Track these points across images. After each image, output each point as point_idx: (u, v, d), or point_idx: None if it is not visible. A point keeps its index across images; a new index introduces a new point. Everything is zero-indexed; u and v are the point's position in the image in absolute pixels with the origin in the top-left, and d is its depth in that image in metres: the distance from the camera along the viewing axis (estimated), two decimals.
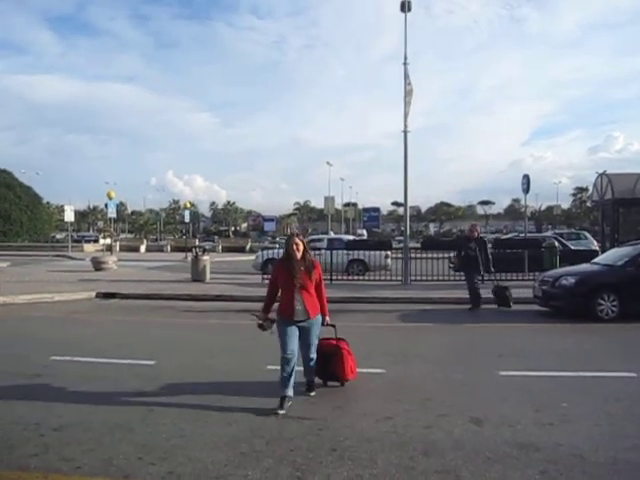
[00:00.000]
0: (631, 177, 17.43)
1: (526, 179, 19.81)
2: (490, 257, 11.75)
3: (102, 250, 31.61)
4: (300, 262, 5.16)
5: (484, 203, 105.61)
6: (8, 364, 6.80)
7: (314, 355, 5.40)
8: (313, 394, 5.48)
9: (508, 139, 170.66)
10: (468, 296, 11.83)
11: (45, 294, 13.53)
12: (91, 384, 5.95)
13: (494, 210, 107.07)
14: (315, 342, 5.38)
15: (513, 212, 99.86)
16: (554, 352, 7.76)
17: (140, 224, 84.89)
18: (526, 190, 19.90)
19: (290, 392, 5.04)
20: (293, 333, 5.12)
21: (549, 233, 29.14)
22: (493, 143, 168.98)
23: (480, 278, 11.92)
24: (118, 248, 38.81)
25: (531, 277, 14.94)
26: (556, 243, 17.30)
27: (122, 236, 72.42)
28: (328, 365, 5.62)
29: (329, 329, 5.69)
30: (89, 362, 6.91)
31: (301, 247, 5.16)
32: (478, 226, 12.89)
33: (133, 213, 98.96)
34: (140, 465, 3.81)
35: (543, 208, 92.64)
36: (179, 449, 4.08)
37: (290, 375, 5.02)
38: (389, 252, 18.97)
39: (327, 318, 5.46)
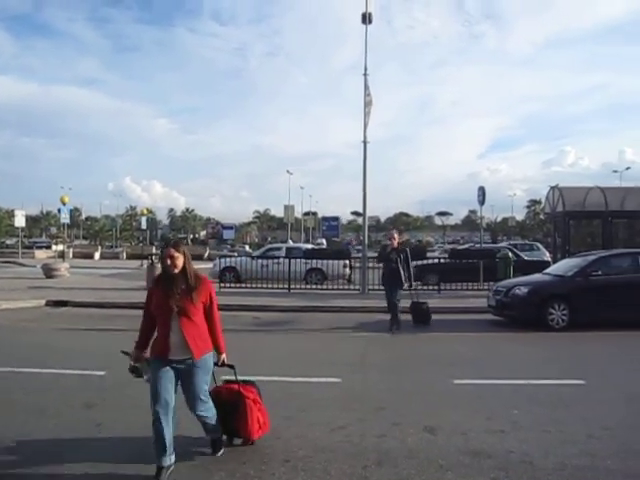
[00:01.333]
0: (581, 191, 18.05)
1: (482, 191, 20.25)
2: (412, 269, 10.49)
3: (54, 257, 30.68)
4: (179, 279, 3.80)
5: (442, 214, 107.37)
6: None
7: (203, 410, 3.94)
8: (221, 453, 4.14)
9: (466, 152, 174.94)
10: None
11: None
12: (36, 396, 5.72)
13: (452, 221, 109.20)
14: (203, 390, 3.91)
15: (470, 223, 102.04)
16: (506, 360, 7.91)
17: (95, 230, 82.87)
18: (482, 202, 20.34)
19: (167, 461, 3.71)
20: (167, 378, 3.77)
21: (504, 244, 29.82)
22: (451, 155, 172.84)
23: (407, 289, 10.46)
24: (71, 255, 37.73)
25: (486, 287, 15.22)
26: (510, 254, 17.69)
27: (76, 242, 70.49)
28: (228, 419, 4.16)
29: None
30: (35, 373, 6.64)
31: (180, 260, 3.79)
32: (397, 232, 11.20)
33: (88, 219, 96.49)
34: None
35: (498, 219, 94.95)
36: (129, 463, 3.96)
37: (163, 438, 3.67)
38: (347, 261, 19.04)
39: (223, 356, 4.06)
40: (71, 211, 31.17)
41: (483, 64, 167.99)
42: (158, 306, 3.83)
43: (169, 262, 3.78)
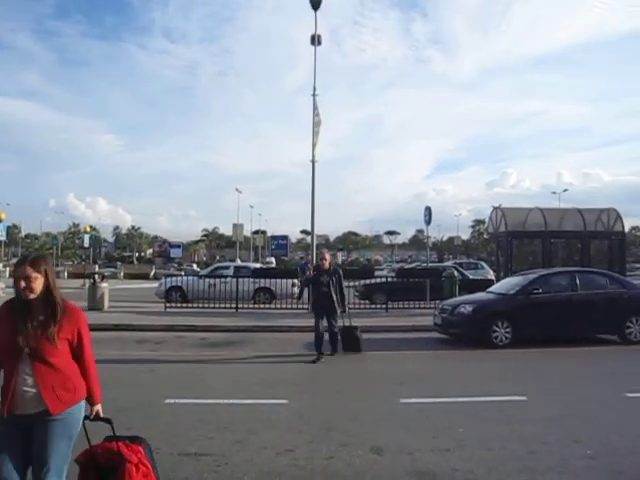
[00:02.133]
0: (522, 211, 18.70)
1: (428, 211, 20.67)
2: (345, 293, 9.58)
3: None
4: (36, 308, 2.83)
5: (390, 233, 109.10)
6: None
7: None
8: None
9: (412, 172, 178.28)
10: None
11: None
12: None
13: (399, 240, 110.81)
14: (57, 462, 2.84)
15: (417, 242, 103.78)
16: (452, 378, 8.02)
17: (35, 248, 79.54)
18: (428, 221, 20.75)
19: None
20: (9, 441, 2.79)
21: (449, 263, 30.56)
22: (399, 176, 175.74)
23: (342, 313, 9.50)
24: (8, 274, 36.13)
25: (432, 305, 15.46)
26: (455, 272, 18.07)
27: (13, 261, 67.61)
28: None
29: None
30: None
31: (39, 282, 2.82)
32: (329, 253, 9.88)
33: (27, 236, 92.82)
34: None
35: (445, 239, 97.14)
36: None
37: None
38: (296, 280, 18.98)
39: (97, 407, 3.17)
40: (9, 228, 29.91)
41: (429, 87, 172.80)
42: (5, 345, 2.77)
43: (23, 285, 2.79)
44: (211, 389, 6.67)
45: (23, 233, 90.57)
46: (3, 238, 26.73)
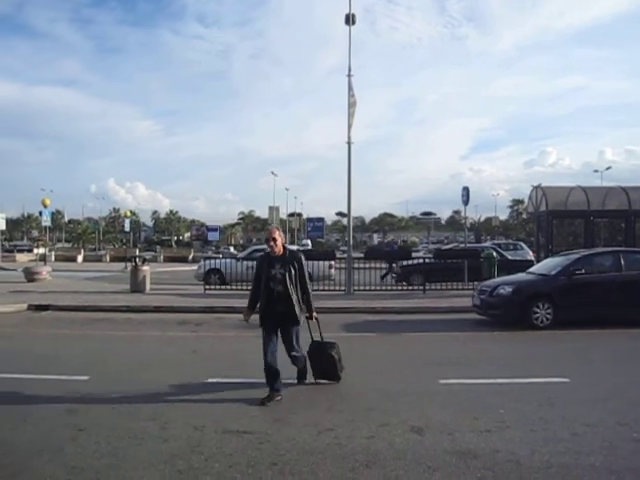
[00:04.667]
0: (564, 190, 18.25)
1: (466, 191, 20.38)
2: (309, 288, 5.99)
3: (36, 260, 30.23)
4: None
5: (426, 214, 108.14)
6: None
7: None
8: None
9: (449, 153, 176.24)
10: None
11: None
12: (18, 402, 5.63)
13: (436, 221, 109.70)
14: None
15: (454, 223, 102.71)
16: (492, 359, 7.94)
17: (78, 233, 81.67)
18: (466, 202, 20.46)
19: None
20: None
21: (488, 244, 30.05)
22: (435, 156, 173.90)
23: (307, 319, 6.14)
24: (53, 258, 37.29)
25: (470, 287, 15.31)
26: (494, 253, 17.81)
27: (59, 245, 69.66)
28: None
29: None
30: (16, 378, 6.53)
31: None
32: (279, 231, 5.95)
33: (71, 222, 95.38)
34: None
35: (482, 219, 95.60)
36: (112, 469, 3.90)
37: None
38: (333, 262, 19.02)
39: None
40: (53, 214, 30.81)
41: (465, 65, 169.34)
42: None
43: None
44: (252, 369, 6.76)
45: (66, 218, 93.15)
46: (48, 224, 27.46)
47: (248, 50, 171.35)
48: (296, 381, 6.29)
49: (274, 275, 5.74)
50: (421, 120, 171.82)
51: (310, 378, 6.34)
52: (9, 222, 47.48)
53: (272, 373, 5.68)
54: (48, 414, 5.22)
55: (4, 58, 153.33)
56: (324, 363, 6.32)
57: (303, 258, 5.94)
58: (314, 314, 6.10)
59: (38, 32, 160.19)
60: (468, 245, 25.63)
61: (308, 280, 5.96)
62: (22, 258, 38.10)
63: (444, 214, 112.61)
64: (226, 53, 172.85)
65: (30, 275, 20.06)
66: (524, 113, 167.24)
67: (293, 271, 5.76)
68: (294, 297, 5.72)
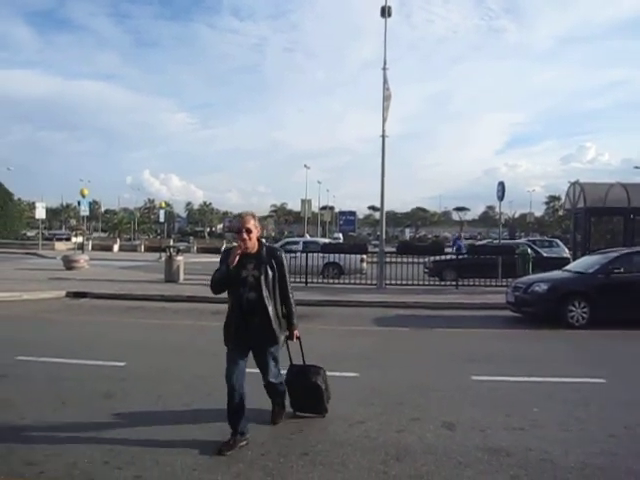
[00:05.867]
0: (603, 187, 17.79)
1: (501, 186, 20.05)
2: (291, 297, 4.53)
3: (74, 249, 31.00)
4: None
5: (459, 209, 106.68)
6: None
7: None
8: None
9: (483, 147, 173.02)
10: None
11: (13, 292, 13.20)
12: (57, 385, 5.81)
13: (469, 216, 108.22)
14: None
15: (487, 219, 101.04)
16: (525, 357, 7.82)
17: (114, 223, 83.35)
18: (501, 197, 20.14)
19: None
20: None
21: (522, 240, 29.55)
22: (469, 151, 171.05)
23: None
24: (91, 247, 38.15)
25: (504, 283, 15.10)
26: (529, 250, 17.52)
27: (95, 235, 71.26)
28: None
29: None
30: (56, 363, 6.73)
31: None
32: (254, 220, 4.31)
33: (107, 212, 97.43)
34: (106, 469, 3.72)
35: (517, 215, 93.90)
36: (147, 453, 3.99)
37: None
38: (365, 256, 18.99)
39: None
40: (90, 204, 31.47)
41: (502, 59, 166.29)
42: None
43: None
44: (282, 360, 6.82)
45: (103, 209, 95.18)
46: (86, 213, 28.15)
47: (282, 43, 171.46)
48: (270, 421, 4.69)
49: (245, 278, 4.27)
50: (456, 114, 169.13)
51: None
52: (49, 211, 48.80)
53: (236, 405, 4.19)
54: (87, 398, 5.38)
55: (46, 52, 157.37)
56: (307, 393, 4.88)
57: (285, 258, 4.50)
58: (296, 332, 4.61)
59: (78, 26, 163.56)
60: (502, 241, 25.26)
61: (290, 287, 4.50)
62: (61, 246, 39.08)
63: (477, 210, 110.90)
64: (260, 46, 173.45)
65: (69, 263, 20.61)
66: (562, 107, 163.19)
67: (270, 273, 4.31)
68: (270, 308, 4.28)
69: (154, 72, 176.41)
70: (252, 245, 4.27)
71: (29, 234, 58.25)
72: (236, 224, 4.30)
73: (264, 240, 4.60)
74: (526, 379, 6.37)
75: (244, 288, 4.27)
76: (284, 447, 4.15)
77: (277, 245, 22.47)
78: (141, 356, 7.29)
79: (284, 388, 4.76)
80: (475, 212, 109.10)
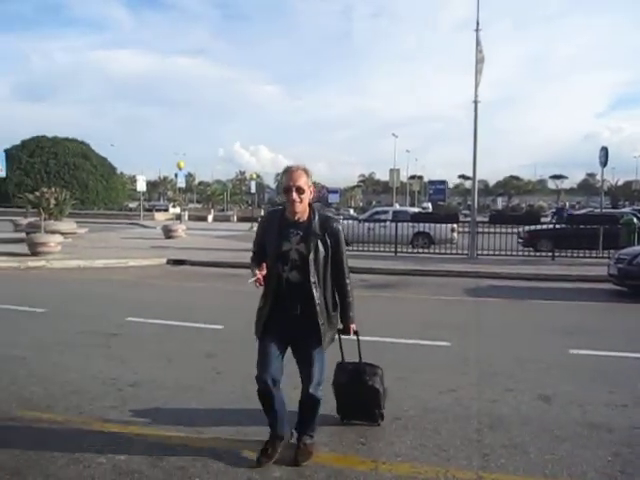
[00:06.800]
0: None
1: (604, 152, 18.79)
2: (349, 284, 3.54)
3: (172, 219, 32.69)
4: None
5: (556, 177, 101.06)
6: (88, 323, 7.23)
7: None
8: None
9: (582, 110, 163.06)
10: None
11: (119, 259, 14.21)
12: (163, 345, 6.24)
13: (566, 185, 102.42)
14: None
15: (587, 187, 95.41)
16: (628, 332, 7.40)
17: (208, 194, 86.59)
18: (604, 163, 18.91)
19: None
20: None
21: (627, 209, 27.66)
22: (566, 115, 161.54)
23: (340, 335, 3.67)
24: (187, 217, 39.93)
25: (605, 255, 14.30)
26: (635, 220, 16.41)
27: (190, 206, 74.33)
28: None
29: None
30: (161, 324, 7.22)
31: None
32: (305, 176, 3.28)
33: (201, 184, 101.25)
34: (209, 423, 3.97)
35: (620, 183, 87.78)
36: (248, 409, 4.19)
37: None
38: (455, 225, 18.60)
39: None
40: (186, 176, 32.82)
41: (605, 13, 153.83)
42: None
43: None
44: (373, 328, 6.88)
45: (197, 181, 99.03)
46: (183, 185, 29.43)
47: (369, 9, 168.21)
48: (295, 433, 3.59)
49: (287, 253, 3.29)
50: (552, 76, 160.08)
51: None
52: (148, 184, 51.48)
53: (272, 406, 3.39)
54: (190, 357, 5.75)
55: (140, 31, 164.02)
56: (360, 397, 3.93)
57: (342, 230, 3.43)
58: (352, 326, 3.57)
59: (167, 4, 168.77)
60: (604, 211, 23.79)
61: (347, 269, 3.49)
62: (160, 217, 41.26)
63: (576, 177, 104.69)
64: (347, 14, 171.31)
65: (168, 232, 21.79)
66: None
67: (322, 251, 3.29)
68: (317, 297, 3.29)
69: (243, 45, 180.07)
70: (302, 210, 3.30)
71: (131, 205, 61.82)
72: (287, 180, 3.26)
73: (321, 207, 3.59)
74: (629, 355, 6.03)
75: (284, 265, 3.29)
76: None
77: (367, 214, 22.43)
78: (237, 320, 7.58)
79: (319, 403, 3.45)
80: (573, 180, 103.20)
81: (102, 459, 3.41)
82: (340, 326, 3.55)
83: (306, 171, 3.30)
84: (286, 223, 3.32)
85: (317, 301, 3.28)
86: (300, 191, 3.22)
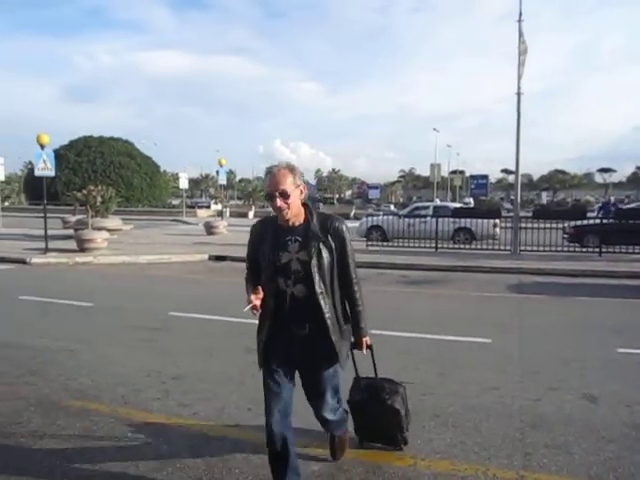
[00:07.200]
0: None
1: None
2: (359, 290, 2.99)
3: (213, 215, 33.20)
4: None
5: (604, 171, 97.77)
6: (133, 317, 7.45)
7: None
8: None
9: (632, 102, 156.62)
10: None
11: (163, 255, 14.53)
12: (205, 338, 6.37)
13: (615, 178, 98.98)
14: None
15: (637, 180, 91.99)
16: None
17: (249, 191, 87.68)
18: None
19: None
20: None
21: None
22: (615, 107, 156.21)
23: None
24: (228, 214, 40.38)
25: None
26: None
27: (232, 202, 75.30)
28: None
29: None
30: (203, 318, 7.37)
31: None
32: (291, 174, 2.73)
33: (242, 181, 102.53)
34: (249, 416, 4.03)
35: None
36: None
37: None
38: (497, 220, 18.24)
39: None
40: (227, 173, 33.20)
41: None
42: None
43: None
44: (414, 323, 6.87)
45: (237, 178, 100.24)
46: (224, 182, 29.72)
47: (409, 3, 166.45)
48: (330, 453, 3.44)
49: (287, 265, 2.79)
50: (600, 67, 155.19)
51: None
52: (190, 181, 52.31)
53: (280, 453, 2.77)
54: (231, 351, 5.84)
55: (183, 32, 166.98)
56: (379, 418, 3.46)
57: (346, 230, 2.91)
58: (366, 339, 3.04)
59: (209, 4, 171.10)
60: None
61: (355, 273, 2.97)
62: (202, 213, 41.95)
63: (625, 170, 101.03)
64: (386, 8, 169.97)
65: (209, 229, 22.14)
66: None
67: (326, 256, 2.79)
68: (327, 309, 2.79)
69: (283, 42, 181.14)
70: (294, 214, 2.77)
71: (174, 202, 63.04)
72: (268, 186, 2.75)
73: (319, 205, 3.16)
74: None
75: (286, 280, 2.79)
76: (415, 407, 4.15)
77: (407, 210, 22.26)
78: None
79: (346, 417, 3.34)
80: (622, 173, 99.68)
81: (146, 448, 3.51)
82: (351, 340, 3.03)
83: (291, 169, 2.75)
84: (281, 230, 2.81)
85: (327, 315, 2.77)
86: (285, 196, 2.67)
